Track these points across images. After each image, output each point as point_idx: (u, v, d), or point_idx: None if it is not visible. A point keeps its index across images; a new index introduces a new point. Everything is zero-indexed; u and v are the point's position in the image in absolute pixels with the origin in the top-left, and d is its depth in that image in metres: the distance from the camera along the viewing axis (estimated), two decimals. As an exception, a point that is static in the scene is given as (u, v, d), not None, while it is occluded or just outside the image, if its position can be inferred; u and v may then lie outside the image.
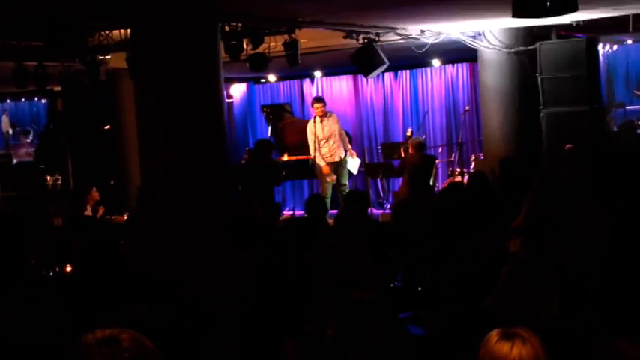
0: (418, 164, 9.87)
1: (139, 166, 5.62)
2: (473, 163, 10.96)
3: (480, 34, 9.60)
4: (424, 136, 11.86)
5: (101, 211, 8.94)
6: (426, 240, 4.92)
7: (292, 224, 5.50)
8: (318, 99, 10.82)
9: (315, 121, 10.54)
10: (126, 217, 8.42)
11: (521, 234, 5.75)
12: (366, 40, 8.90)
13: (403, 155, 10.75)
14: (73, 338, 1.89)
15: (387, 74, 13.05)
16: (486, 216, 5.16)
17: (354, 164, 10.89)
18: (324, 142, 10.55)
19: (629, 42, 12.44)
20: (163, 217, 5.17)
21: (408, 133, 11.28)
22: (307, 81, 13.88)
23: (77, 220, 7.59)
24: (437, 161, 11.02)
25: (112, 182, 11.35)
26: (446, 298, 3.90)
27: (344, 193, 10.31)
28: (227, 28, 8.36)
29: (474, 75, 12.20)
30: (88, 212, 8.63)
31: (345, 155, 10.69)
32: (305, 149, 11.42)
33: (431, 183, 10.33)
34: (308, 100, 13.85)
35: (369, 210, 6.44)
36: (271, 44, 8.93)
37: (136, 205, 7.63)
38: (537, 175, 6.50)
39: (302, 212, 10.71)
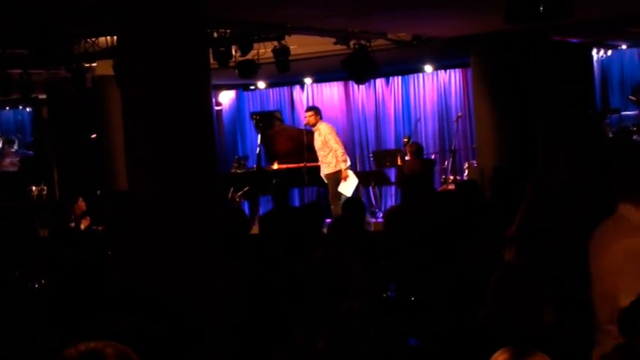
0: (415, 170, 9.89)
1: (125, 175, 5.60)
2: (466, 171, 10.98)
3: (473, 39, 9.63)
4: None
5: (87, 221, 8.90)
6: (419, 249, 4.93)
7: (284, 233, 5.49)
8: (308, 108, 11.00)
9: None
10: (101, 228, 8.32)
11: (515, 242, 5.76)
12: (357, 46, 8.91)
13: (401, 163, 10.76)
14: (57, 351, 1.88)
15: (378, 80, 13.08)
16: (479, 224, 5.17)
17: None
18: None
19: (624, 47, 12.51)
20: (150, 227, 5.16)
21: (405, 140, 11.31)
22: (297, 88, 13.89)
23: (62, 231, 7.56)
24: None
25: (98, 192, 11.31)
26: (439, 309, 3.90)
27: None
28: (215, 35, 8.37)
29: (466, 81, 12.23)
30: (82, 224, 8.59)
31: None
32: (295, 157, 11.42)
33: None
34: (298, 107, 13.87)
35: (364, 219, 6.43)
36: (260, 50, 8.94)
37: (113, 215, 7.59)
38: (530, 182, 6.52)
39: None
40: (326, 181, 10.72)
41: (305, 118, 10.91)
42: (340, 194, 10.45)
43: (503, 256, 5.25)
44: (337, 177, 10.53)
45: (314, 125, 10.64)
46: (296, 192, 13.40)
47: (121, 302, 4.13)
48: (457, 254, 4.42)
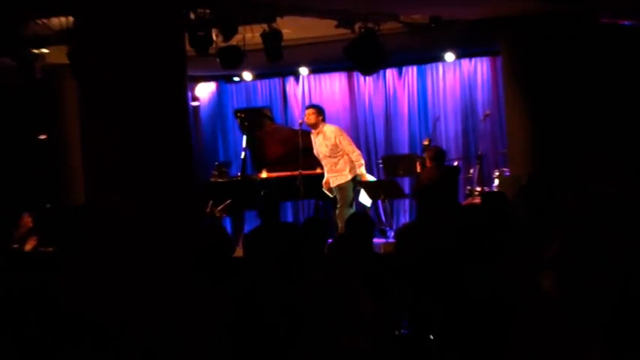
0: (436, 179, 9.92)
1: (83, 185, 5.64)
2: (496, 181, 11.03)
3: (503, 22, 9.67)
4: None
5: (34, 241, 8.91)
6: (438, 275, 4.96)
7: (275, 255, 5.52)
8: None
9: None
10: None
11: (555, 266, 5.79)
12: (363, 30, 8.96)
13: (420, 170, 10.82)
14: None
15: (389, 71, 13.12)
16: (510, 245, 5.21)
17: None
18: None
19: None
20: (112, 248, 5.19)
21: (425, 142, 11.36)
22: (291, 80, 13.94)
23: (4, 253, 7.59)
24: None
25: (48, 205, 11.33)
26: (461, 349, 3.94)
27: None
28: (193, 16, 8.41)
29: (496, 72, 12.28)
30: (27, 245, 8.62)
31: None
32: (289, 163, 11.45)
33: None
34: (292, 102, 13.91)
35: (372, 239, 6.48)
36: (247, 35, 8.98)
37: (66, 234, 7.62)
38: (574, 192, 6.54)
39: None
40: (333, 194, 10.77)
41: (304, 115, 10.90)
42: (355, 204, 10.53)
43: (539, 284, 5.28)
44: (352, 186, 10.60)
45: (314, 126, 10.68)
46: (289, 206, 13.43)
47: (74, 335, 4.17)
48: (483, 282, 4.45)
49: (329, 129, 10.77)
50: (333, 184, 10.69)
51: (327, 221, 10.60)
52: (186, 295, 4.71)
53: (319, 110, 10.86)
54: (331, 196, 10.89)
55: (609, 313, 3.68)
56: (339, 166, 10.64)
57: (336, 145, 10.61)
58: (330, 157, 10.66)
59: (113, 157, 5.26)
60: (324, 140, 10.65)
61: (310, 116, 10.72)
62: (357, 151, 10.79)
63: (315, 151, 10.83)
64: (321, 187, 10.88)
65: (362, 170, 10.69)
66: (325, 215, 11.67)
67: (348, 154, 10.62)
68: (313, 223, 6.92)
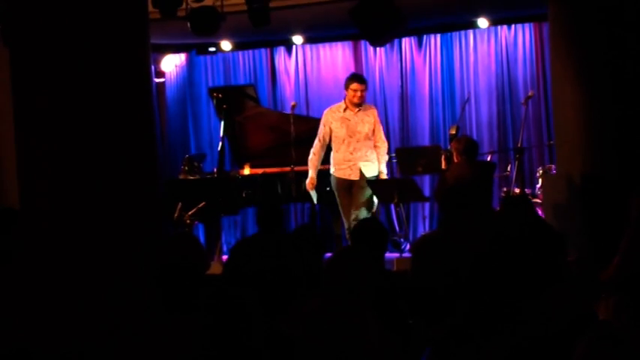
0: (465, 177, 9.92)
1: (16, 184, 5.62)
2: (540, 180, 11.03)
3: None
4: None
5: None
6: (466, 300, 4.96)
7: (260, 274, 5.52)
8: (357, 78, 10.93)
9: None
10: None
11: (615, 290, 5.79)
12: (373, -12, 8.96)
13: (445, 167, 10.82)
14: None
15: (406, 40, 13.12)
16: (557, 263, 5.20)
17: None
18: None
19: None
20: (51, 262, 5.18)
21: (452, 131, 11.30)
22: (281, 50, 13.93)
23: None
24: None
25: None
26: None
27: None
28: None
29: (541, 42, 12.28)
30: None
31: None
32: (278, 156, 11.44)
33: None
34: (283, 79, 13.90)
35: (383, 253, 6.50)
36: (225, -7, 8.99)
37: None
38: (637, 199, 6.54)
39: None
40: (317, 198, 10.73)
41: (357, 92, 10.62)
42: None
43: (596, 311, 5.30)
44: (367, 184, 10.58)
45: (358, 105, 10.65)
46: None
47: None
48: (524, 308, 4.45)
49: (371, 107, 10.87)
50: (367, 174, 10.55)
51: (325, 230, 10.59)
52: (145, 326, 4.71)
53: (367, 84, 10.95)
54: (315, 200, 10.82)
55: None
56: (370, 154, 10.66)
57: (372, 129, 10.65)
58: (370, 139, 10.68)
59: (53, 148, 5.25)
60: (368, 117, 10.66)
61: (364, 93, 10.74)
62: (387, 144, 10.88)
63: (342, 133, 10.63)
64: (320, 186, 10.80)
65: (383, 168, 10.71)
66: (323, 223, 11.65)
67: (375, 143, 10.65)
68: (307, 232, 6.92)
